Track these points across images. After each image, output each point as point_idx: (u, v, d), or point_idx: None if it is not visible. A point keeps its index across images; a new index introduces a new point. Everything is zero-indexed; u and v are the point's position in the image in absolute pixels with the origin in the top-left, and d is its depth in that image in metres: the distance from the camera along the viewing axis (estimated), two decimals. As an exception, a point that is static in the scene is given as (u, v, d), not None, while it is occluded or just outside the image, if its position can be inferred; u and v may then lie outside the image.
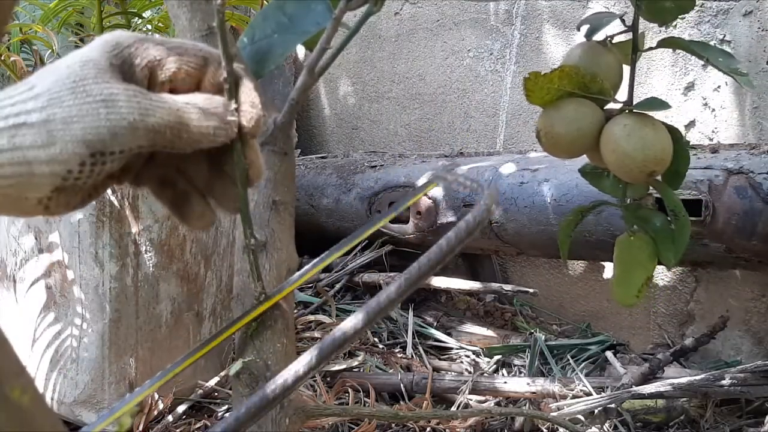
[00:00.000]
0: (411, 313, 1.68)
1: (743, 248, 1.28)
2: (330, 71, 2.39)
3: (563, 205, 1.49)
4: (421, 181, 1.74)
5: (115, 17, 1.46)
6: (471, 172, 1.68)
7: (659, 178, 0.71)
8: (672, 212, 0.72)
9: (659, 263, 0.74)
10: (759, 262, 1.32)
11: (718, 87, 1.58)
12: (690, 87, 1.63)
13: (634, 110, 0.70)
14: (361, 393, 1.36)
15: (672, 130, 0.70)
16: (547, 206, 1.51)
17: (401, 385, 1.37)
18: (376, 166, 1.89)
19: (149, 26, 1.51)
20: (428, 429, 1.26)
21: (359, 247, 1.85)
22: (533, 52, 1.92)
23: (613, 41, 0.74)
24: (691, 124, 1.63)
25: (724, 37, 1.56)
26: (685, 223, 0.71)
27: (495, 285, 1.66)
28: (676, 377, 1.26)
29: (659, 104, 0.69)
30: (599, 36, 0.74)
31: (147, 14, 1.52)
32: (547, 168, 1.56)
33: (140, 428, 1.21)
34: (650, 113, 0.70)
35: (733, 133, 1.57)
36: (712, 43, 1.57)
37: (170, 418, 1.27)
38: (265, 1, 1.46)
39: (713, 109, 1.60)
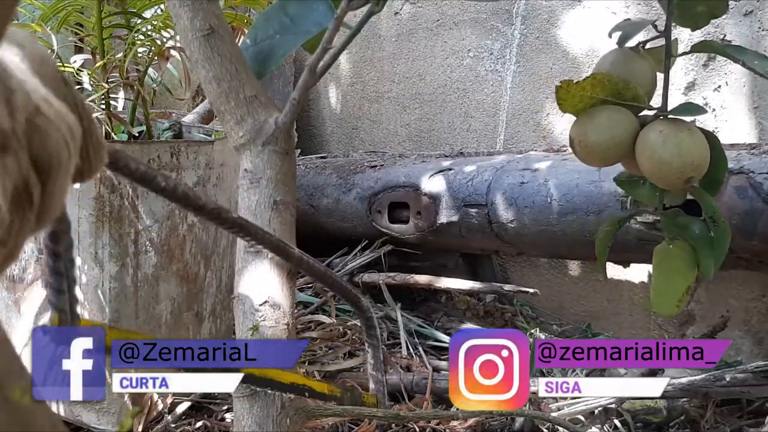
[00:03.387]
0: (399, 312, 1.67)
1: (743, 248, 1.28)
2: (330, 71, 2.39)
3: (564, 205, 1.48)
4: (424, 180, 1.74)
5: (114, 17, 1.46)
6: (471, 171, 1.68)
7: (696, 184, 0.70)
8: (710, 219, 0.71)
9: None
10: (759, 262, 1.32)
11: (719, 87, 1.58)
12: (690, 87, 1.63)
13: (669, 116, 0.70)
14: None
15: (709, 136, 0.69)
16: (547, 206, 1.51)
17: (401, 385, 1.37)
18: (376, 166, 1.89)
19: (149, 26, 1.51)
20: (428, 429, 1.26)
21: (359, 247, 1.85)
22: (533, 52, 1.91)
23: (646, 47, 0.73)
24: (691, 124, 1.63)
25: (724, 37, 1.56)
26: (725, 230, 0.69)
27: (495, 285, 1.66)
28: (676, 377, 1.26)
29: (695, 109, 0.68)
30: (631, 42, 0.73)
31: (147, 14, 1.52)
32: (548, 168, 1.56)
33: (140, 428, 1.21)
34: (686, 119, 0.69)
35: (733, 133, 1.57)
36: (712, 43, 1.57)
37: (170, 418, 1.27)
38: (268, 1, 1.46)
39: (714, 109, 1.59)
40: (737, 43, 1.54)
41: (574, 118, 0.71)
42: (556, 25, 1.86)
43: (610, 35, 0.74)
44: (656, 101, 0.72)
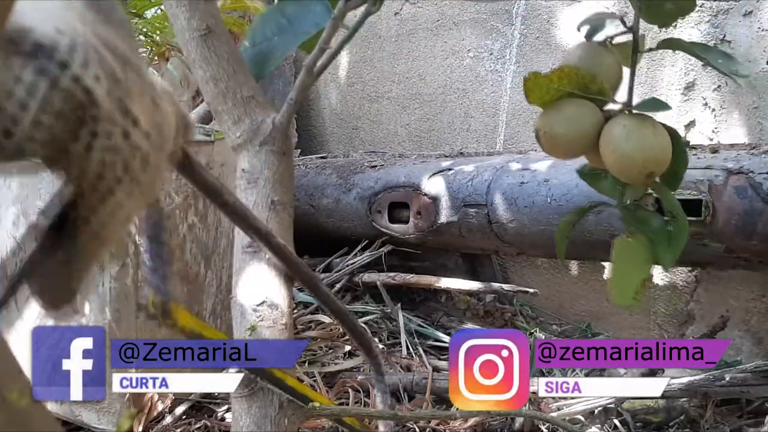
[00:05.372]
0: (401, 313, 1.67)
1: (743, 248, 1.28)
2: (331, 71, 2.39)
3: (563, 205, 1.48)
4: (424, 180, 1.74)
5: (114, 17, 1.46)
6: (471, 171, 1.68)
7: (658, 179, 0.71)
8: (670, 214, 0.72)
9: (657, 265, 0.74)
10: (759, 262, 1.32)
11: (718, 87, 1.58)
12: (690, 87, 1.63)
13: (634, 111, 0.70)
14: (361, 393, 1.35)
15: (671, 132, 0.69)
16: (547, 206, 1.51)
17: (401, 385, 1.37)
18: (376, 166, 1.89)
19: (149, 26, 1.51)
20: (428, 429, 1.26)
21: (359, 247, 1.85)
22: (533, 52, 1.91)
23: (614, 42, 0.73)
24: (691, 124, 1.62)
25: (724, 37, 1.56)
26: (683, 225, 0.70)
27: (495, 285, 1.66)
28: (676, 377, 1.26)
29: (659, 105, 0.69)
30: (599, 37, 0.74)
31: (147, 15, 1.52)
32: (548, 168, 1.55)
33: (140, 428, 1.21)
34: (650, 114, 0.70)
35: (733, 133, 1.57)
36: (711, 43, 1.57)
37: (170, 418, 1.27)
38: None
39: (713, 109, 1.59)
40: (737, 44, 1.54)
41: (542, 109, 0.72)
42: (556, 25, 1.86)
43: (578, 29, 0.75)
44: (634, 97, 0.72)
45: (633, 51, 0.71)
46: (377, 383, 0.88)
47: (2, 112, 0.24)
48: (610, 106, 0.71)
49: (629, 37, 0.72)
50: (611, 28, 0.73)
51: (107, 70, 0.26)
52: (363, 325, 1.64)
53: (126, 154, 0.27)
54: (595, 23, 0.72)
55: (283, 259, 0.56)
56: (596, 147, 0.69)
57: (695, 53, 0.69)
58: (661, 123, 0.69)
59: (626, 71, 0.73)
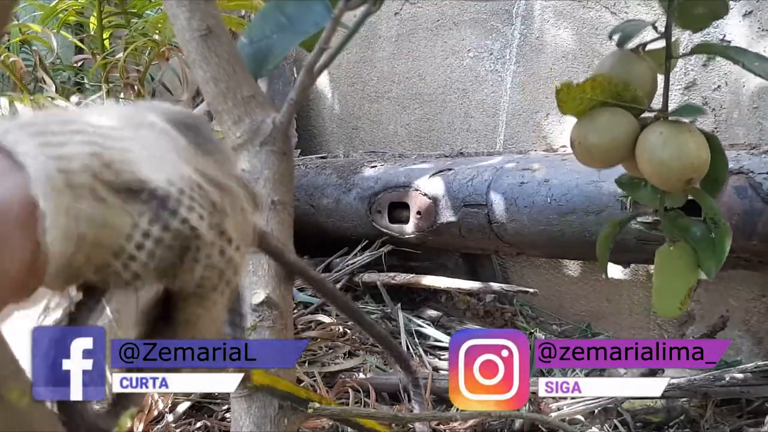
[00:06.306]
0: (401, 313, 1.67)
1: (743, 248, 1.28)
2: (330, 71, 2.39)
3: (563, 205, 1.48)
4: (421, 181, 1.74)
5: (115, 17, 1.46)
6: (471, 171, 1.68)
7: (696, 185, 0.70)
8: (711, 220, 0.71)
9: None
10: (759, 262, 1.32)
11: (718, 87, 1.58)
12: (690, 86, 1.63)
13: (669, 118, 0.69)
14: (361, 393, 1.35)
15: (709, 137, 0.69)
16: (547, 206, 1.51)
17: (401, 385, 1.37)
18: (376, 166, 1.89)
19: (149, 26, 1.51)
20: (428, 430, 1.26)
21: (359, 247, 1.86)
22: (533, 52, 1.91)
23: (646, 49, 0.73)
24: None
25: (724, 37, 1.56)
26: (726, 232, 0.69)
27: (495, 285, 1.66)
28: (676, 377, 1.26)
29: (694, 110, 0.68)
30: (631, 44, 0.73)
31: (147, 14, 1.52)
32: (548, 168, 1.56)
33: (140, 428, 1.21)
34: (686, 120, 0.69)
35: (733, 133, 1.57)
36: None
37: (170, 417, 1.27)
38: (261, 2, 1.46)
39: (713, 109, 1.59)
40: (737, 44, 1.54)
41: (575, 119, 0.71)
42: (556, 25, 1.86)
43: (610, 36, 0.74)
44: (657, 103, 0.72)
45: (666, 57, 0.70)
46: (416, 397, 0.88)
47: (123, 251, 0.29)
48: (646, 114, 0.71)
49: (660, 42, 0.71)
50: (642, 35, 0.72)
51: (209, 205, 0.31)
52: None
53: (222, 267, 0.32)
54: (627, 30, 0.72)
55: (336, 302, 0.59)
56: (633, 155, 0.68)
57: (730, 56, 0.68)
58: (699, 128, 0.69)
59: (660, 77, 0.73)
